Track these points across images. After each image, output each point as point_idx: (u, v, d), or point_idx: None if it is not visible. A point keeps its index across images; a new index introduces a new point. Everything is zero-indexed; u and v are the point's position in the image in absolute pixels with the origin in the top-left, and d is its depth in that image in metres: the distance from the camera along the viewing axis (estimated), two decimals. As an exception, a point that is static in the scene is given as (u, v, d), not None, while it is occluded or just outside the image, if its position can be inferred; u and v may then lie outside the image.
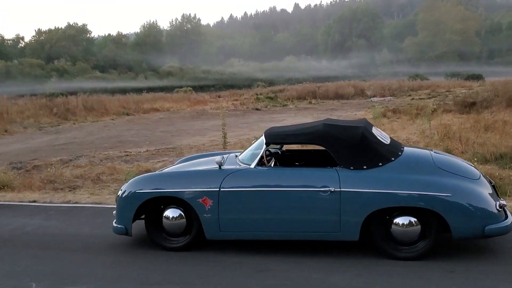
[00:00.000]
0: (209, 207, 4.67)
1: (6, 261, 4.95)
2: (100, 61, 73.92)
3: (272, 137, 4.97)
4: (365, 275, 4.20)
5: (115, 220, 5.09)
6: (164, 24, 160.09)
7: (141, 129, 19.42)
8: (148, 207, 4.95)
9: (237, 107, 29.52)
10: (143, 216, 5.10)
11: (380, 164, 4.59)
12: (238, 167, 4.90)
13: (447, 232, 4.44)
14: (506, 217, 4.46)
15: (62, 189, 8.45)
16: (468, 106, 15.80)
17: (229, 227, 4.73)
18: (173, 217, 4.88)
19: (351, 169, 4.57)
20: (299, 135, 4.98)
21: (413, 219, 4.43)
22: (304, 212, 4.57)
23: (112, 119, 24.56)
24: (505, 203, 4.53)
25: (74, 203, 7.37)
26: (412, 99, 29.20)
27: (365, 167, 4.57)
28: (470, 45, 73.00)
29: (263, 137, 5.01)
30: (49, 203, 7.45)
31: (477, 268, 4.28)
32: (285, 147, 5.83)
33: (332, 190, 4.46)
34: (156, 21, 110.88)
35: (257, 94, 39.75)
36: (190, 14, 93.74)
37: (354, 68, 71.58)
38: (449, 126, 11.08)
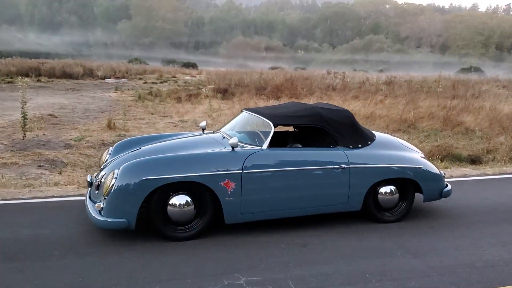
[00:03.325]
0: (231, 190, 4.59)
1: None
2: None
3: (277, 119, 5.14)
4: (392, 237, 4.87)
5: (103, 213, 4.37)
6: None
7: None
8: (154, 195, 4.46)
9: None
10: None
11: (369, 143, 5.40)
12: (251, 148, 4.89)
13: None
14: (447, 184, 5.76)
15: None
16: (222, 92, 17.73)
17: (250, 209, 4.76)
18: (180, 204, 4.55)
19: (350, 148, 5.21)
20: (303, 117, 5.28)
21: (393, 188, 5.35)
22: (320, 188, 5.01)
23: None
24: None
25: None
26: (145, 82, 30.18)
27: (359, 146, 5.30)
28: (180, 35, 78.94)
29: (266, 120, 5.10)
30: None
31: (453, 222, 5.40)
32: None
33: (344, 166, 5.03)
34: None
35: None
36: None
37: (67, 45, 67.70)
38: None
